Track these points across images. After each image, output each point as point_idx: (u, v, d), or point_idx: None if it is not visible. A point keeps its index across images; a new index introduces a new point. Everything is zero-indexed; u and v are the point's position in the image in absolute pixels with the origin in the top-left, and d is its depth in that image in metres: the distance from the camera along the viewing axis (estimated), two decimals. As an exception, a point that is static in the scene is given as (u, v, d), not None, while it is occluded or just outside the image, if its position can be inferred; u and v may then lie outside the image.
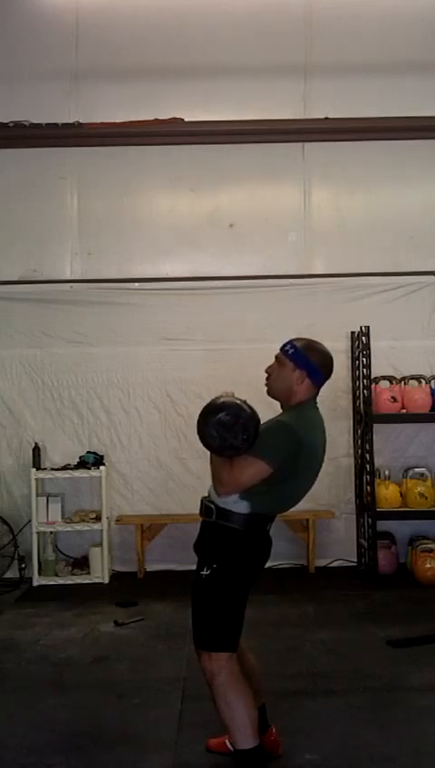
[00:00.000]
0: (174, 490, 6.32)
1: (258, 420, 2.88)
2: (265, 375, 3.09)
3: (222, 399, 2.92)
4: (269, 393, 3.09)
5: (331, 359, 3.08)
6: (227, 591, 2.93)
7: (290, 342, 3.05)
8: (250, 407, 2.89)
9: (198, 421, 2.89)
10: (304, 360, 3.00)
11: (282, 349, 3.06)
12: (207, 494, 3.04)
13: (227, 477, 2.85)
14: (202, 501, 3.03)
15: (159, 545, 6.23)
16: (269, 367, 3.09)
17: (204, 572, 2.94)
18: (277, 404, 3.12)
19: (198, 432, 2.88)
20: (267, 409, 3.07)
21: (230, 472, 2.85)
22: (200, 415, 2.90)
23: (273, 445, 2.86)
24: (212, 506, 2.96)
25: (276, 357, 3.08)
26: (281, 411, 3.08)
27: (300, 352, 3.01)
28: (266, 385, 3.08)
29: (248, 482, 2.85)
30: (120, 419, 6.41)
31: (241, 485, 2.86)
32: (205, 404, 2.94)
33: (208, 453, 2.92)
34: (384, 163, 6.48)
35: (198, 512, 3.06)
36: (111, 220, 6.50)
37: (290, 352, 3.02)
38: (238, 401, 2.90)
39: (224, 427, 2.80)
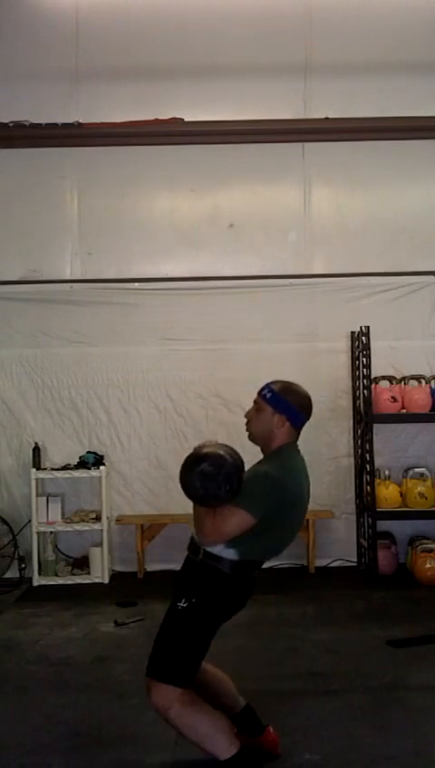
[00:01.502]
0: (174, 490, 6.24)
1: (242, 469, 2.86)
2: (245, 420, 3.06)
3: (205, 449, 2.89)
4: (250, 438, 3.06)
5: (309, 399, 3.07)
6: (199, 628, 2.91)
7: (267, 386, 3.04)
8: (234, 456, 2.87)
9: (181, 471, 2.87)
10: (283, 403, 2.99)
11: (260, 393, 3.04)
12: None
13: (209, 527, 2.83)
14: (191, 537, 3.00)
15: (159, 545, 6.23)
16: (248, 412, 3.07)
17: (181, 604, 2.91)
18: None
19: (181, 481, 2.87)
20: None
21: (213, 522, 2.82)
22: (183, 464, 2.88)
23: (256, 495, 2.83)
24: (198, 546, 2.94)
25: (255, 402, 3.06)
26: (262, 456, 3.05)
27: (278, 396, 3.00)
28: (247, 430, 3.06)
29: (231, 532, 2.82)
30: (120, 419, 6.41)
31: (224, 536, 2.83)
32: (187, 455, 2.92)
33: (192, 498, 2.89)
34: (384, 163, 6.48)
35: (188, 545, 3.05)
36: (111, 220, 6.50)
37: (268, 397, 3.01)
38: (222, 451, 2.86)
39: (207, 477, 2.78)
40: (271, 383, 3.06)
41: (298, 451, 3.08)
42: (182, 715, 2.84)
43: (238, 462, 2.86)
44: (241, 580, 2.96)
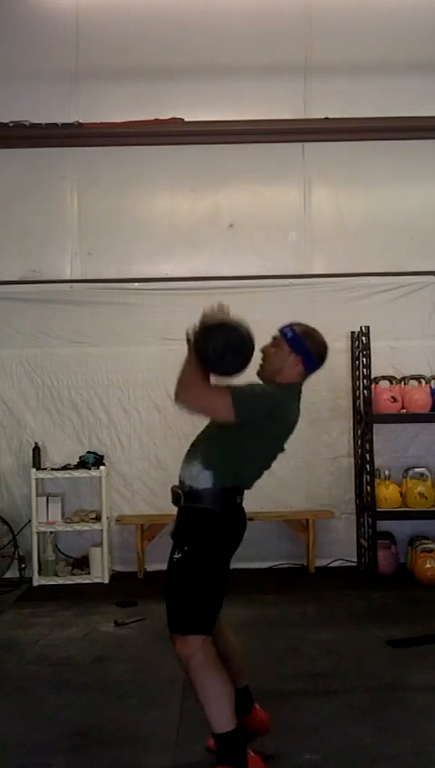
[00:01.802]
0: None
1: (252, 353, 2.92)
2: (260, 354, 3.09)
3: (238, 321, 2.93)
4: (260, 374, 3.09)
5: (326, 348, 3.10)
6: (199, 572, 2.91)
7: (289, 326, 3.07)
8: (252, 339, 2.93)
9: (205, 326, 2.90)
10: (302, 345, 3.03)
11: (281, 331, 3.08)
12: (175, 484, 3.05)
13: (195, 391, 2.87)
14: (171, 489, 3.04)
15: (159, 545, 6.22)
16: (265, 347, 3.09)
17: (176, 555, 2.95)
18: None
19: (198, 337, 2.89)
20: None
21: (202, 389, 2.87)
22: (209, 320, 2.91)
23: (250, 400, 2.88)
24: (179, 492, 2.99)
25: (274, 338, 3.09)
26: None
27: (299, 338, 3.04)
28: (261, 365, 3.09)
29: (207, 409, 2.88)
30: (120, 419, 6.41)
31: (200, 407, 2.89)
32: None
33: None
34: (384, 163, 6.48)
35: (171, 499, 3.08)
36: (111, 220, 6.50)
37: (289, 336, 3.05)
38: (250, 332, 2.93)
39: (228, 347, 2.84)
40: (293, 324, 3.09)
41: (301, 394, 3.09)
42: (202, 667, 2.85)
43: (254, 347, 2.94)
44: (225, 512, 2.95)
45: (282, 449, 3.07)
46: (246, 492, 3.06)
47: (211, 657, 2.88)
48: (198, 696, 2.90)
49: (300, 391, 3.10)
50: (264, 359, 3.09)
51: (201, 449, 3.01)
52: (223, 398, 2.84)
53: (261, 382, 3.05)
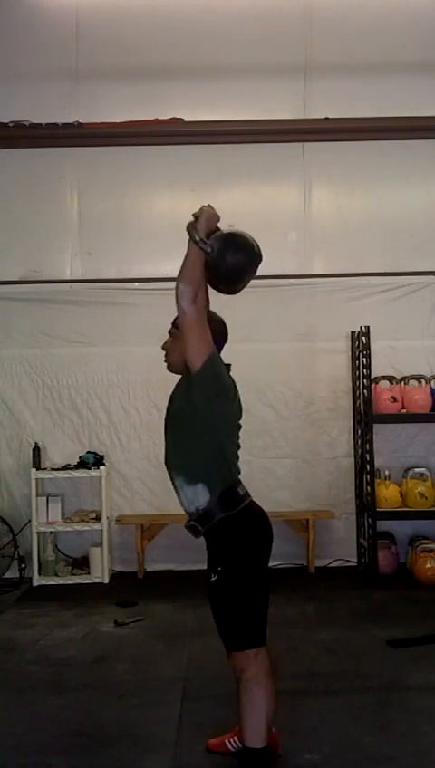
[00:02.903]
0: (174, 490, 6.30)
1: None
2: (163, 353, 3.16)
3: (258, 245, 3.05)
4: (169, 368, 3.15)
5: (223, 323, 3.16)
6: (237, 588, 2.92)
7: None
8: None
9: (228, 234, 3.01)
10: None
11: (173, 323, 3.12)
12: (187, 519, 3.03)
13: (190, 275, 2.92)
14: (185, 527, 3.03)
15: (159, 545, 6.23)
16: (164, 343, 3.15)
17: (212, 579, 2.94)
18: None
19: (218, 242, 2.96)
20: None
21: (195, 284, 2.92)
22: (251, 242, 3.02)
23: (215, 371, 2.97)
24: (193, 523, 2.97)
25: (169, 332, 3.15)
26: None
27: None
28: (166, 362, 3.14)
29: (189, 334, 2.92)
30: (120, 419, 6.41)
31: (191, 327, 2.92)
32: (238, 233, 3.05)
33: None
34: (384, 163, 6.48)
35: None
36: (111, 220, 6.50)
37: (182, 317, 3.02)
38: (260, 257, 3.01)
39: (236, 264, 2.96)
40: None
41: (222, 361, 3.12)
42: (254, 682, 2.86)
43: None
44: (240, 510, 2.94)
45: (238, 420, 3.09)
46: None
47: (265, 670, 2.90)
48: (242, 706, 2.90)
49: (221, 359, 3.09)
50: (166, 354, 3.17)
51: (178, 468, 3.02)
52: (207, 345, 2.91)
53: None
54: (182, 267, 2.93)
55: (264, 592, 2.99)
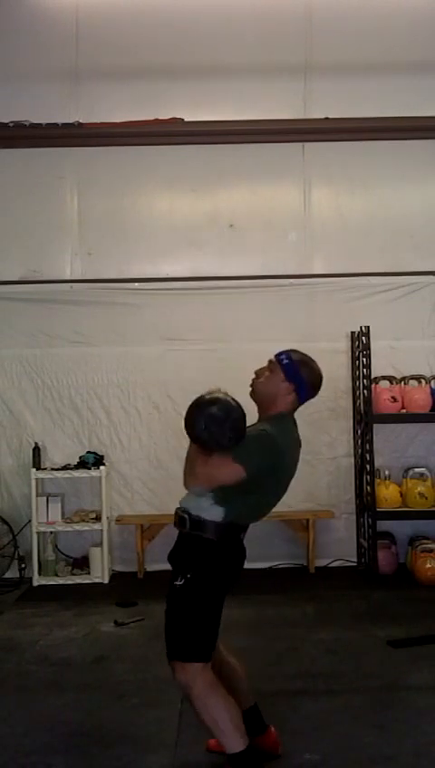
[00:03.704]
0: (174, 490, 6.24)
1: (245, 420, 2.90)
2: (254, 376, 3.09)
3: (216, 394, 2.92)
4: (252, 395, 3.08)
5: (321, 379, 3.10)
6: (200, 601, 2.93)
7: (286, 353, 3.06)
8: (240, 406, 2.89)
9: (189, 411, 2.89)
10: (297, 373, 3.02)
11: (277, 356, 3.06)
12: (178, 505, 3.04)
13: (201, 470, 2.87)
14: (176, 511, 3.03)
15: (159, 545, 6.22)
16: (260, 369, 3.10)
17: (178, 582, 2.95)
18: None
19: (186, 421, 2.89)
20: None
21: (205, 466, 2.86)
22: (192, 405, 2.90)
23: (253, 452, 2.86)
24: (186, 516, 2.97)
25: (269, 362, 3.08)
26: (258, 417, 3.07)
27: (294, 365, 3.03)
28: (252, 386, 3.09)
29: (221, 481, 2.86)
30: (120, 419, 6.41)
31: (213, 482, 2.87)
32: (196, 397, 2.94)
33: (191, 448, 2.94)
34: (384, 163, 6.47)
35: (174, 520, 3.07)
36: (111, 220, 6.50)
37: (284, 363, 3.03)
38: (231, 399, 2.90)
39: (214, 421, 2.82)
40: (290, 351, 3.08)
41: (295, 421, 3.10)
42: (203, 695, 2.87)
43: (244, 414, 2.90)
44: (228, 546, 2.97)
45: (290, 479, 3.06)
46: None
47: (210, 682, 2.90)
48: (204, 721, 2.91)
49: (294, 420, 3.09)
50: (255, 380, 3.08)
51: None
52: (225, 464, 2.84)
53: (259, 425, 3.01)
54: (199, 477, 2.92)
55: (219, 612, 2.98)
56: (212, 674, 2.93)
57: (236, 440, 2.84)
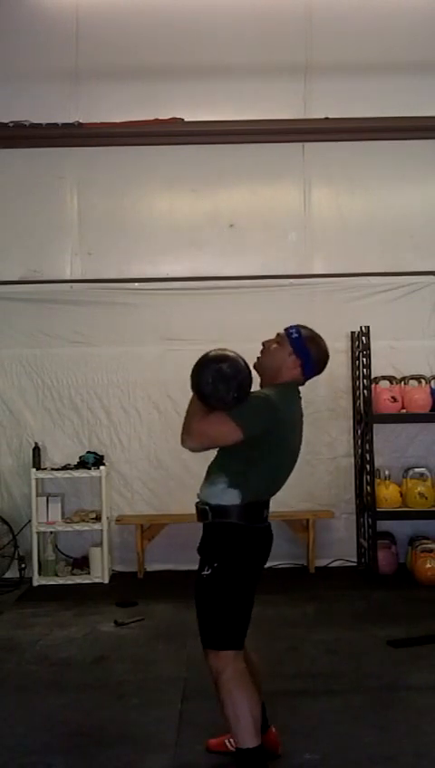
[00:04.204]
0: (174, 490, 6.31)
1: (251, 383, 2.91)
2: (261, 347, 3.10)
3: (226, 352, 2.93)
4: (256, 367, 3.09)
5: (327, 357, 3.12)
6: (229, 589, 2.92)
7: (296, 327, 3.09)
8: (248, 367, 2.91)
9: (197, 363, 2.90)
10: (304, 349, 3.04)
11: (286, 330, 3.09)
12: (197, 499, 3.04)
13: (196, 426, 2.88)
14: (196, 505, 3.03)
15: (159, 545, 6.23)
16: (268, 341, 3.12)
17: (205, 572, 2.94)
18: None
19: (193, 374, 2.89)
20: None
21: (201, 422, 2.87)
22: (201, 358, 2.91)
23: (250, 413, 2.87)
24: (206, 507, 2.96)
25: (278, 335, 3.11)
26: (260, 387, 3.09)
27: (302, 340, 3.05)
28: (258, 358, 3.10)
29: (216, 440, 2.87)
30: (120, 419, 6.41)
31: (207, 439, 2.88)
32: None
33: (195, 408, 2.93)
34: (384, 163, 6.47)
35: (196, 515, 3.06)
36: (111, 220, 6.50)
37: (293, 336, 3.06)
38: (241, 359, 2.92)
39: (221, 377, 2.82)
40: (300, 326, 3.10)
41: (299, 392, 3.10)
42: (232, 685, 2.86)
43: (250, 375, 2.91)
44: (253, 527, 2.97)
45: (297, 451, 3.07)
46: None
47: (241, 672, 2.90)
48: (225, 710, 2.90)
49: (298, 391, 3.10)
50: (263, 351, 3.10)
51: (223, 468, 2.98)
52: (223, 422, 2.84)
53: (261, 390, 3.04)
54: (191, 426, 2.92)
55: (250, 600, 2.99)
56: (243, 664, 2.92)
57: (239, 400, 2.84)
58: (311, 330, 3.11)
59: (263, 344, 3.11)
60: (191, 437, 2.91)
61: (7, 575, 6.19)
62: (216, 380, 2.82)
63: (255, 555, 3.01)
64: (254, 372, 3.04)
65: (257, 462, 2.92)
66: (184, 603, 5.19)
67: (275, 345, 3.08)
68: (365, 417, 6.01)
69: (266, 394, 2.97)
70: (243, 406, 2.86)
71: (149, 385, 6.39)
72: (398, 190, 6.59)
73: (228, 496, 2.92)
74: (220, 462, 3.01)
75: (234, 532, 2.94)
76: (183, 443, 2.96)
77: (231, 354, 2.92)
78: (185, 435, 2.93)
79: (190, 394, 2.99)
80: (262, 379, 3.11)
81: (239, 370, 2.86)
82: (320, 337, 3.11)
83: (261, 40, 6.37)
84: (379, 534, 5.96)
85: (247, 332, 6.20)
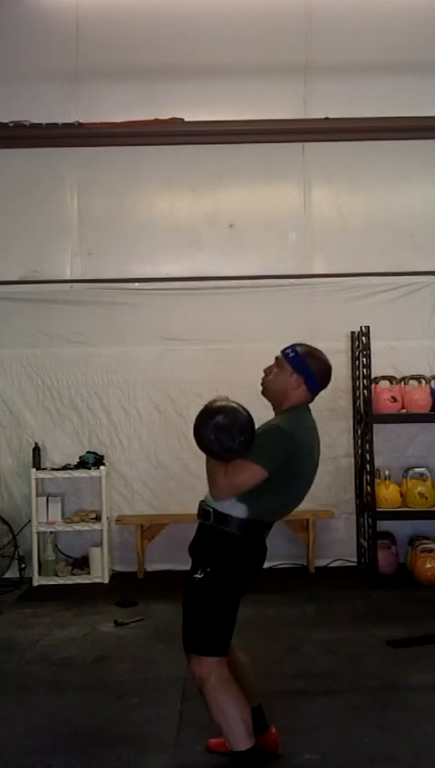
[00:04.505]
0: (174, 490, 6.32)
1: (254, 423, 2.89)
2: (263, 374, 3.10)
3: (218, 403, 2.93)
4: (264, 393, 3.10)
5: (329, 369, 3.09)
6: (219, 595, 2.93)
7: (292, 346, 3.07)
8: (246, 410, 2.90)
9: (196, 425, 2.90)
10: (304, 365, 3.02)
11: (283, 351, 3.07)
12: (203, 499, 3.04)
13: (222, 481, 2.86)
14: (200, 504, 3.04)
15: (159, 545, 6.23)
16: (268, 367, 3.11)
17: (197, 575, 2.95)
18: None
19: (196, 435, 2.89)
20: (267, 410, 3.07)
21: (225, 476, 2.86)
22: (197, 418, 2.90)
23: (268, 449, 2.87)
24: (210, 509, 2.97)
25: (276, 359, 3.09)
26: (274, 414, 3.09)
27: (300, 357, 3.03)
28: (262, 384, 3.10)
29: (244, 485, 2.85)
30: (120, 419, 6.41)
31: (237, 489, 2.86)
32: (201, 408, 2.95)
33: (205, 456, 2.93)
34: (384, 163, 6.47)
35: (197, 512, 3.07)
36: (111, 220, 6.50)
37: (290, 356, 3.04)
38: (234, 404, 2.91)
39: (221, 429, 2.81)
40: (296, 344, 3.09)
41: (310, 412, 3.09)
42: (217, 691, 2.87)
43: (250, 416, 2.89)
44: (251, 543, 2.97)
45: (312, 477, 3.06)
46: None
47: (226, 679, 2.90)
48: (214, 716, 2.90)
49: (309, 411, 3.09)
50: (265, 377, 3.09)
51: None
52: (245, 469, 2.84)
53: (272, 421, 3.02)
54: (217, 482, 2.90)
55: (235, 609, 2.98)
56: (227, 670, 2.93)
57: (247, 444, 2.83)
58: (307, 345, 3.10)
59: (264, 371, 3.10)
60: (221, 493, 2.89)
61: (7, 575, 6.19)
62: (218, 435, 2.82)
63: (248, 566, 3.01)
64: (264, 398, 3.07)
65: (273, 489, 2.91)
66: (184, 603, 5.22)
67: (275, 369, 3.07)
68: (365, 417, 6.01)
69: (276, 424, 2.96)
70: (256, 445, 2.85)
71: (149, 385, 6.39)
72: (398, 190, 6.59)
73: (236, 510, 2.92)
74: None
75: (231, 541, 2.94)
76: (214, 499, 2.94)
77: (224, 403, 2.92)
78: (215, 492, 2.91)
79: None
80: (273, 406, 3.10)
81: (236, 416, 2.85)
82: (319, 351, 3.10)
83: (261, 40, 6.37)
84: (379, 534, 5.96)
85: (247, 332, 6.29)
